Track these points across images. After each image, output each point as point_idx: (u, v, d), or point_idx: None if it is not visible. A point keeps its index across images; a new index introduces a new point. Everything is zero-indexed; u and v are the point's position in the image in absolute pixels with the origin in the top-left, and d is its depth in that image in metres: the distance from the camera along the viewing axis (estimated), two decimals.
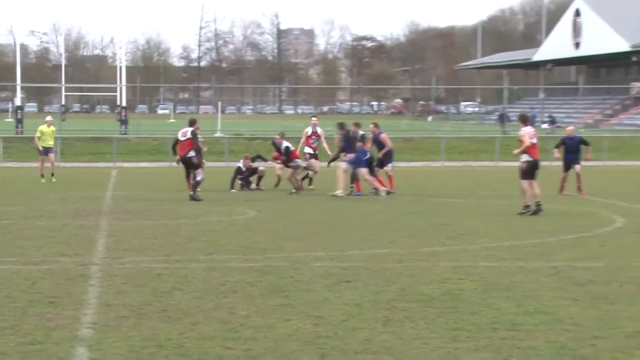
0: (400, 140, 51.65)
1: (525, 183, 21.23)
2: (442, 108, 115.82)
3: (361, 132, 28.25)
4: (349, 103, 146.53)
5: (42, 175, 32.15)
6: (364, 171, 26.79)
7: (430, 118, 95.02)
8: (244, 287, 13.00)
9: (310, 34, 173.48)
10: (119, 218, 22.27)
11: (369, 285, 13.25)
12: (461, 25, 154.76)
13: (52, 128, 33.58)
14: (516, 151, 22.11)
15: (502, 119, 75.67)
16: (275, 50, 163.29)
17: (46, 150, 32.51)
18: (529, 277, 14.06)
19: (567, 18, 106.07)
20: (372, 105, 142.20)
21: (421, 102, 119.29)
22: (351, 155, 26.99)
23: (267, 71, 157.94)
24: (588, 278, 13.98)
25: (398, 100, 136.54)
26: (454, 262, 15.65)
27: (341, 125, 29.15)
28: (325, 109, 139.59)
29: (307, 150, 28.75)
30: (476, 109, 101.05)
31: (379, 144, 28.57)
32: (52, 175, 32.13)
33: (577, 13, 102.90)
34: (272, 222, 21.69)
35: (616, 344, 9.75)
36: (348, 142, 27.55)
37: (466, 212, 23.80)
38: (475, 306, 11.74)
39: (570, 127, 29.50)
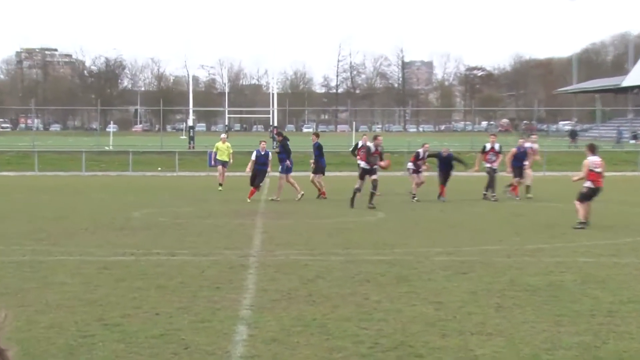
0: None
1: (578, 204, 20.98)
2: (543, 126, 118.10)
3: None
4: (462, 122, 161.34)
5: (220, 184, 33.70)
6: (286, 176, 28.94)
7: (533, 136, 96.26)
8: (375, 276, 14.09)
9: (429, 65, 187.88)
10: (271, 218, 23.98)
11: (482, 276, 14.18)
12: (559, 56, 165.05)
13: (227, 144, 34.74)
14: (575, 178, 22.13)
15: (574, 134, 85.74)
16: (400, 79, 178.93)
17: (222, 164, 34.05)
18: (623, 271, 14.80)
19: None
20: (483, 124, 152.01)
21: (525, 122, 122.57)
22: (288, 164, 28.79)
23: (393, 96, 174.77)
24: None
25: (505, 120, 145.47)
26: (556, 258, 16.33)
27: (280, 134, 32.10)
28: (443, 127, 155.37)
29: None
30: (572, 128, 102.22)
31: (317, 152, 30.52)
32: (220, 185, 33.52)
33: None
34: (398, 222, 22.91)
35: None
36: (285, 151, 29.54)
37: (565, 214, 23.99)
38: (576, 295, 12.52)
39: None
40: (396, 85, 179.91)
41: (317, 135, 32.58)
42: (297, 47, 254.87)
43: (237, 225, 22.10)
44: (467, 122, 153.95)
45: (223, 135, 36.64)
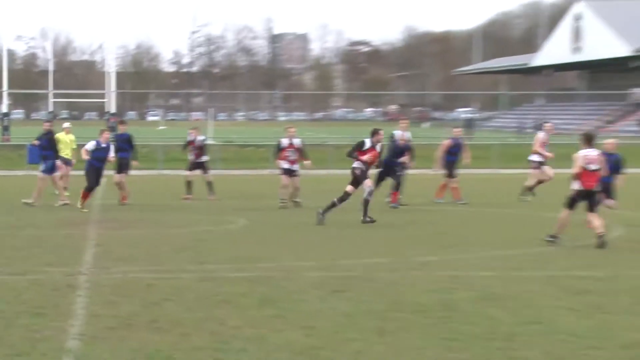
0: None
1: (565, 212, 18.54)
2: (438, 114, 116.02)
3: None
4: (343, 109, 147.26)
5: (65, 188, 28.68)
6: (51, 176, 26.54)
7: (426, 125, 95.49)
8: (235, 297, 13.00)
9: (304, 38, 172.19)
10: (107, 227, 22.09)
11: (362, 295, 13.25)
12: (459, 29, 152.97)
13: (71, 136, 29.58)
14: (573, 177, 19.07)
15: (471, 123, 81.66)
16: (269, 56, 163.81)
17: (66, 162, 28.76)
18: (525, 287, 14.16)
19: (567, 22, 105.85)
20: (367, 112, 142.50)
21: (417, 109, 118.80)
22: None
23: (259, 77, 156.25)
24: (585, 287, 14.09)
25: (393, 107, 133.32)
26: (449, 272, 15.63)
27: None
28: (319, 115, 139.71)
29: (283, 164, 26.25)
30: (472, 116, 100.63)
31: (124, 145, 28.10)
32: (65, 188, 28.25)
33: (578, 17, 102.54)
34: (264, 231, 21.57)
35: (611, 354, 9.88)
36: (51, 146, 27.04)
37: (461, 220, 23.90)
38: (470, 316, 11.80)
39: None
40: (263, 63, 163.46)
41: (122, 123, 30.50)
42: (141, 15, 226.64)
43: (64, 236, 20.28)
44: (349, 109, 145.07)
45: (66, 125, 31.01)
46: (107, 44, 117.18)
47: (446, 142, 28.71)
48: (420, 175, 33.29)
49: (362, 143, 23.06)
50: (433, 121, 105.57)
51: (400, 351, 9.93)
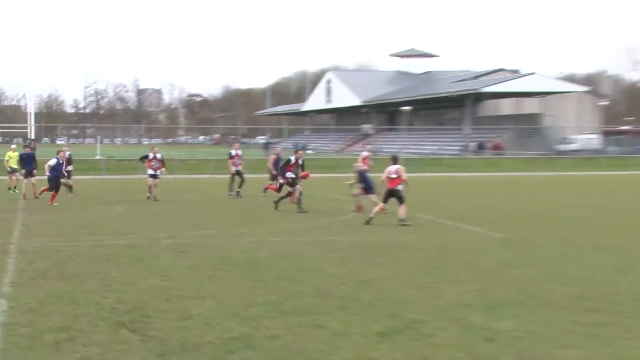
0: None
1: (381, 205, 20.47)
2: (245, 140, 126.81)
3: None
4: (185, 137, 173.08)
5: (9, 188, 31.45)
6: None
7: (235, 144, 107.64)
8: (115, 257, 14.07)
9: (159, 92, 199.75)
10: (31, 213, 23.00)
11: (198, 255, 14.47)
12: (257, 87, 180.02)
13: (16, 153, 31.92)
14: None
15: (267, 146, 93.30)
16: (136, 102, 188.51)
17: (12, 171, 31.80)
18: (303, 247, 15.56)
19: (322, 84, 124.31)
20: (201, 138, 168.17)
21: (232, 136, 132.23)
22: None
23: (130, 116, 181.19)
24: (336, 247, 15.62)
25: (217, 135, 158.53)
26: (255, 238, 16.89)
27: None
28: (170, 140, 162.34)
29: (149, 171, 28.52)
30: (267, 141, 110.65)
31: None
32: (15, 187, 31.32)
33: (328, 81, 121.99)
34: (136, 216, 22.63)
35: (352, 288, 11.23)
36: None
37: (267, 206, 24.10)
38: (267, 266, 13.10)
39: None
40: (133, 107, 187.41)
41: (27, 146, 31.69)
42: (51, 74, 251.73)
43: (1, 220, 21.07)
44: (188, 136, 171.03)
45: (13, 146, 34.37)
46: (28, 94, 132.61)
47: (272, 157, 30.55)
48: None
49: (289, 160, 24.56)
50: (242, 144, 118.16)
51: (223, 290, 10.97)
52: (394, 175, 20.27)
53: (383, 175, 20.70)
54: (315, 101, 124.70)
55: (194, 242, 16.30)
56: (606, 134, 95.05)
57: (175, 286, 11.28)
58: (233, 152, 29.89)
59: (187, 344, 8.16)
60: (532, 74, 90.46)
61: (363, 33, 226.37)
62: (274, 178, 29.15)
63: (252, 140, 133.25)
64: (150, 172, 28.43)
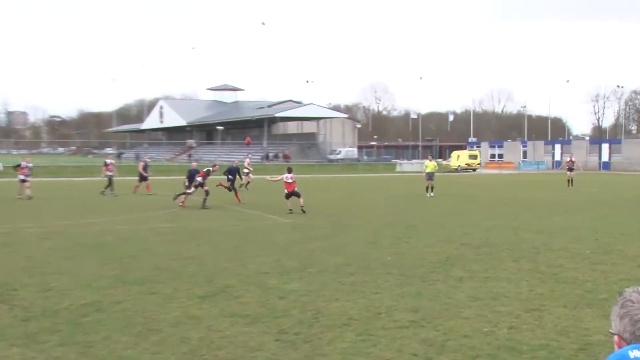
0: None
1: (286, 201, 20.16)
2: (96, 151, 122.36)
3: None
4: (48, 148, 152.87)
5: None
6: None
7: (89, 156, 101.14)
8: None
9: (24, 114, 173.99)
10: None
11: (59, 239, 13.55)
12: (107, 110, 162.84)
13: None
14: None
15: (119, 155, 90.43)
16: (6, 121, 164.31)
17: None
18: (140, 233, 15.10)
19: (156, 108, 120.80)
20: (60, 149, 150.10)
21: (87, 148, 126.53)
22: None
23: (1, 133, 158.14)
24: (168, 232, 15.30)
25: (73, 147, 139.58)
26: (104, 226, 16.13)
27: None
28: (35, 151, 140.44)
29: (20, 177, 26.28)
30: (116, 152, 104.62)
31: None
32: None
33: (161, 107, 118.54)
34: (6, 212, 21.08)
35: (180, 262, 10.89)
36: None
37: (129, 203, 23.70)
38: (114, 248, 12.62)
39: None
40: (3, 125, 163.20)
41: None
42: None
43: None
44: (51, 148, 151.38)
45: None
46: None
47: (141, 163, 29.60)
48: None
49: (208, 171, 22.83)
50: (94, 154, 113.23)
51: (77, 266, 10.45)
52: (290, 180, 20.28)
53: (276, 178, 21.04)
54: (151, 121, 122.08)
55: (55, 230, 15.38)
56: (360, 147, 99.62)
57: (38, 265, 10.68)
58: (108, 160, 28.82)
59: (48, 310, 7.74)
60: (311, 104, 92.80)
61: (186, 70, 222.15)
62: (142, 179, 28.69)
63: (102, 151, 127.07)
64: (21, 177, 26.29)
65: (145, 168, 29.08)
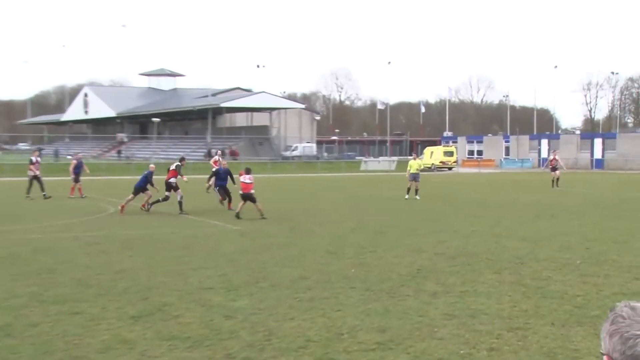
0: None
1: (241, 202, 20.32)
2: (7, 147, 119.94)
3: None
4: None
5: None
6: None
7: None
8: None
9: None
10: None
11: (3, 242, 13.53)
12: (18, 98, 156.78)
13: None
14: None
15: (40, 151, 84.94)
16: None
17: None
18: (62, 243, 14.85)
19: (81, 97, 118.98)
20: None
21: (36, 146, 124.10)
22: None
23: None
24: (95, 241, 15.14)
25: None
26: (15, 235, 15.87)
27: None
28: None
29: None
30: (29, 147, 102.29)
31: None
32: None
33: (86, 94, 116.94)
34: None
35: (109, 277, 10.87)
36: None
37: (54, 206, 23.28)
38: (28, 260, 12.40)
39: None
40: None
41: None
42: None
43: None
44: None
45: None
46: None
47: (73, 162, 29.32)
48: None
49: (177, 166, 22.72)
50: (4, 150, 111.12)
51: None
52: (248, 181, 20.43)
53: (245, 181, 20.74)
54: (73, 112, 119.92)
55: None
56: (320, 142, 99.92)
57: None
58: (33, 158, 28.49)
59: None
60: (262, 92, 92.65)
61: (115, 52, 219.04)
62: (75, 180, 28.63)
63: (14, 147, 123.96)
64: None
65: (77, 168, 28.85)
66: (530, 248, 14.08)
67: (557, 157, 37.93)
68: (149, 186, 22.64)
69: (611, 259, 12.70)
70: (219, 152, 35.37)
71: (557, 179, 36.02)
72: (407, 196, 28.38)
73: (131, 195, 22.16)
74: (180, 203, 22.00)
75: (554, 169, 36.64)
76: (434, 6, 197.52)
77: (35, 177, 27.91)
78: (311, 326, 7.97)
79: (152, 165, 24.10)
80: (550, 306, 8.93)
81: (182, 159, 24.25)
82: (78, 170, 29.02)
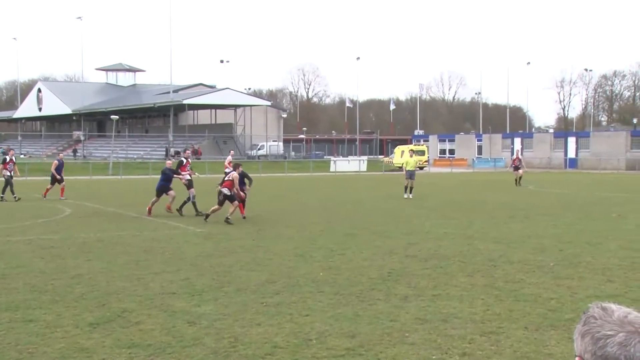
0: None
1: (216, 206, 19.68)
2: None
3: None
4: None
5: None
6: None
7: None
8: None
9: None
10: None
11: None
12: None
13: None
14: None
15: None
16: None
17: None
18: (14, 246, 14.74)
19: (33, 93, 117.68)
20: None
21: (9, 146, 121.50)
22: None
23: None
24: (50, 244, 14.96)
25: None
26: None
27: None
28: None
29: None
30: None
31: None
32: None
33: (39, 90, 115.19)
34: None
35: (65, 282, 10.80)
36: None
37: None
38: None
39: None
40: None
41: None
42: None
43: None
44: None
45: None
46: None
47: (55, 162, 28.85)
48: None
49: (181, 162, 22.48)
50: None
51: None
52: (227, 178, 19.93)
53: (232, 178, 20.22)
54: (26, 109, 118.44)
55: None
56: (287, 141, 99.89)
57: None
58: (7, 157, 28.30)
59: None
60: (226, 89, 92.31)
61: (70, 46, 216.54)
62: (57, 182, 28.17)
63: None
64: None
65: (58, 168, 28.60)
66: (503, 250, 14.24)
67: (520, 156, 40.99)
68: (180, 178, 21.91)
69: (585, 261, 12.90)
70: (232, 152, 34.84)
71: (520, 177, 38.71)
72: (405, 195, 29.01)
73: (155, 198, 21.60)
74: (193, 203, 21.64)
75: (516, 168, 39.46)
76: (404, 1, 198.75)
77: (9, 178, 27.67)
78: (278, 332, 7.97)
79: (169, 162, 22.94)
80: (523, 309, 9.05)
81: (185, 150, 24.37)
82: (60, 170, 28.72)
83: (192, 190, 22.09)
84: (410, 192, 28.93)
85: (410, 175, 29.05)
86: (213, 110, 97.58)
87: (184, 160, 22.93)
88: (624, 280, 11.05)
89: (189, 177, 22.45)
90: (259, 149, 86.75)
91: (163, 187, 21.59)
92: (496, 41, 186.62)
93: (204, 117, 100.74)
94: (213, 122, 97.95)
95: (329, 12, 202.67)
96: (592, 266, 12.32)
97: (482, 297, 9.83)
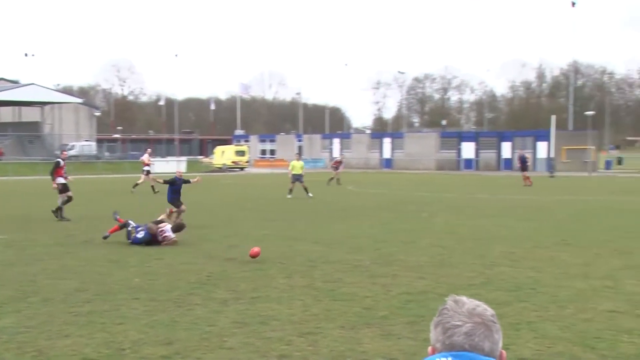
0: None
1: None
2: None
3: None
4: None
5: None
6: None
7: None
8: None
9: None
10: None
11: None
12: None
13: None
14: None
15: None
16: None
17: None
18: None
19: None
20: None
21: None
22: None
23: None
24: None
25: None
26: None
27: None
28: None
29: None
30: None
31: None
32: None
33: None
34: None
35: None
36: None
37: None
38: None
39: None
40: None
41: None
42: None
43: None
44: None
45: None
46: None
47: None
48: None
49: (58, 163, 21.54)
50: None
51: None
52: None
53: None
54: None
55: None
56: (101, 141, 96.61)
57: None
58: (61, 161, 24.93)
59: None
60: (32, 84, 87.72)
61: None
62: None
63: None
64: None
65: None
66: (322, 251, 14.64)
67: (342, 160, 46.91)
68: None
69: (399, 259, 13.55)
70: (148, 150, 32.85)
71: (338, 178, 42.32)
72: (289, 195, 30.11)
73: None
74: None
75: (336, 168, 43.56)
76: None
77: None
78: (89, 342, 7.71)
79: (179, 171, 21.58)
80: (340, 309, 9.36)
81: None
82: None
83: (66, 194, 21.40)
84: (307, 192, 30.15)
85: (297, 178, 30.51)
86: (17, 107, 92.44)
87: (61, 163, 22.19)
88: (433, 276, 11.73)
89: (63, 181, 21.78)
90: (69, 149, 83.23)
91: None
92: (315, 41, 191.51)
93: (6, 114, 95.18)
94: (17, 119, 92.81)
95: (145, 6, 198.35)
96: (405, 264, 12.97)
97: (301, 298, 10.05)
